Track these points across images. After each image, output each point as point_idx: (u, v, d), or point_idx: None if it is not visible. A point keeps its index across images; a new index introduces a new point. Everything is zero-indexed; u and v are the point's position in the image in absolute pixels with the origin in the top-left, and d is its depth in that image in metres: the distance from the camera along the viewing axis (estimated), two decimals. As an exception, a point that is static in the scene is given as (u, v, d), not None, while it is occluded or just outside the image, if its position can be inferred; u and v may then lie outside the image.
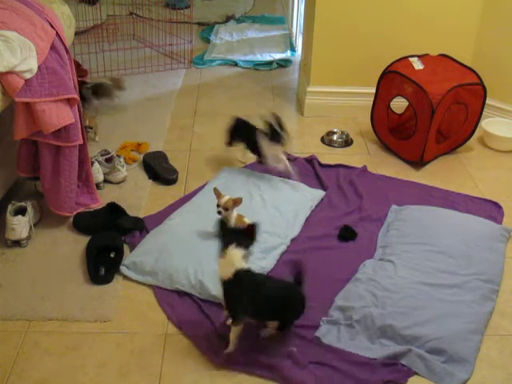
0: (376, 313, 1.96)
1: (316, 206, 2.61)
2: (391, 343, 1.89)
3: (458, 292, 2.08)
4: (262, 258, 2.22)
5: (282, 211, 2.49)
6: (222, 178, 2.73)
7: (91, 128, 3.08)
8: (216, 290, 2.03)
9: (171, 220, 2.42)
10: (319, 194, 2.68)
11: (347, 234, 2.39)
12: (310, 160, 2.94)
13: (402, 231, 2.40)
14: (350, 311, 1.98)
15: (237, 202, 2.30)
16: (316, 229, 2.46)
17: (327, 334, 1.92)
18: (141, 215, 2.49)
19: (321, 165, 2.91)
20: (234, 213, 2.31)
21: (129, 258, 2.23)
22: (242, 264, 1.79)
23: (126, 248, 2.30)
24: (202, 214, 2.40)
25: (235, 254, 1.79)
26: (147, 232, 2.38)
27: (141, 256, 2.21)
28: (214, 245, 2.19)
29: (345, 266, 2.24)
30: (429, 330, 1.91)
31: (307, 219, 2.51)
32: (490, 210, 2.62)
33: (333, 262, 2.27)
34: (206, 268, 2.11)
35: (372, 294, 2.05)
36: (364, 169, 2.90)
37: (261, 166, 2.82)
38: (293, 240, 2.37)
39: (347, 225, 2.44)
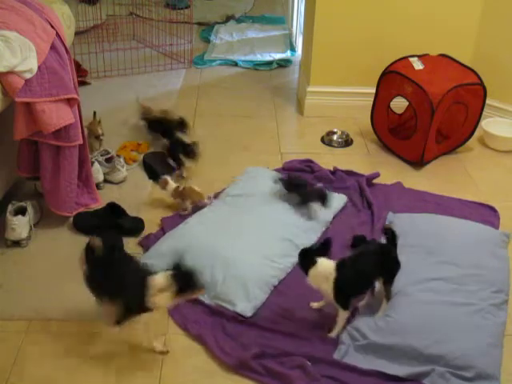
0: (394, 332, 1.87)
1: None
2: (414, 363, 1.80)
3: (471, 303, 2.00)
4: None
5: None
6: (240, 181, 2.72)
7: (103, 135, 3.01)
8: (223, 295, 2.03)
9: (186, 224, 2.40)
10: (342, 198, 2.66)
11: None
12: (334, 172, 2.86)
13: (403, 241, 2.25)
14: (366, 330, 1.90)
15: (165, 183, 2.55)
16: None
17: (346, 355, 1.84)
18: (141, 215, 2.49)
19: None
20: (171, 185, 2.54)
21: (142, 259, 2.21)
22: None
23: (125, 248, 2.30)
24: (217, 219, 2.40)
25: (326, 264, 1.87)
26: (164, 233, 2.37)
27: (153, 258, 2.19)
28: (224, 251, 2.20)
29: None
30: (451, 346, 1.82)
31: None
32: (487, 214, 2.58)
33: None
34: (214, 273, 2.11)
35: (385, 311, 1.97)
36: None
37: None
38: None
39: (359, 235, 2.32)
